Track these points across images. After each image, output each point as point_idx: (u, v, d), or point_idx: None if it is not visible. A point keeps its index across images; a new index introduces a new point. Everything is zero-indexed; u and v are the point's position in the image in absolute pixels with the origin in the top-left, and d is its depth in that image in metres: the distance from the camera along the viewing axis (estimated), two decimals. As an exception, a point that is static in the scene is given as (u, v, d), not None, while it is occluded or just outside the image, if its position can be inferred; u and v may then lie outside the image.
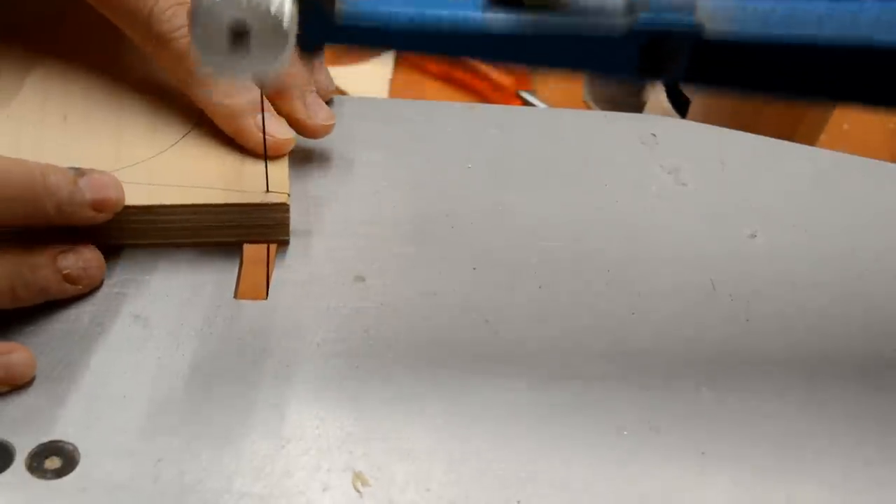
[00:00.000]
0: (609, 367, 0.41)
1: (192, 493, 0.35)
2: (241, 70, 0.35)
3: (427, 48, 0.37)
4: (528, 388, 0.40)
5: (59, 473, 0.35)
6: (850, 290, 0.46)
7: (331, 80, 0.52)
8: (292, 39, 0.34)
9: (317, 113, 0.48)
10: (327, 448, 0.37)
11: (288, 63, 0.35)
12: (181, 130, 0.46)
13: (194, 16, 0.34)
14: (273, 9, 0.33)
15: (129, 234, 0.43)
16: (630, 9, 0.34)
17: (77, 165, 0.41)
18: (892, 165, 0.54)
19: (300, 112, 0.48)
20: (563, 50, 0.35)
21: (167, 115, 0.47)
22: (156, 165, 0.44)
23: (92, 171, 0.41)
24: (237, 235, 0.44)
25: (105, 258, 0.42)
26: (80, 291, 0.41)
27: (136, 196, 0.42)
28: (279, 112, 0.47)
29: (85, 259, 0.41)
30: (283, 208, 0.44)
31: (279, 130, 0.46)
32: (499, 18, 0.35)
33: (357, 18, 0.35)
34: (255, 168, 0.45)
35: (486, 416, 0.39)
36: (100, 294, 0.41)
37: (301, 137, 0.48)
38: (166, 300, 0.42)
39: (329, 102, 0.52)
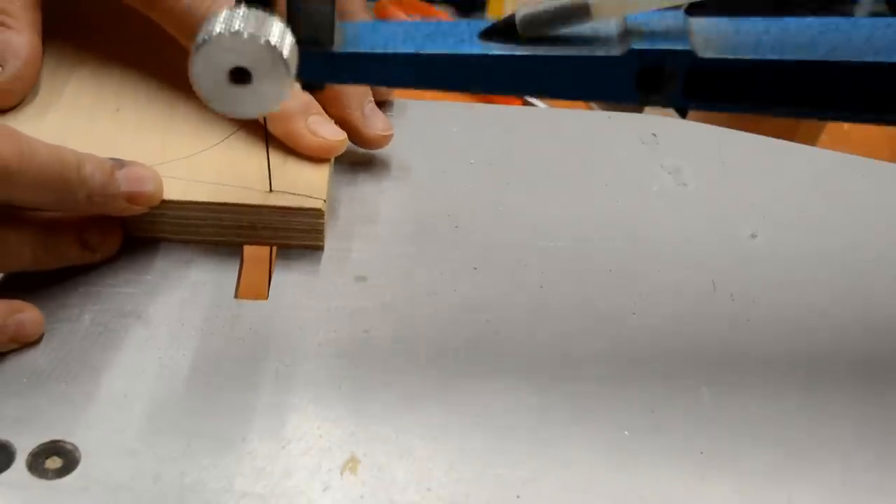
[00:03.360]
0: (609, 366, 0.41)
1: (193, 492, 0.35)
2: (243, 105, 0.35)
3: (425, 83, 0.37)
4: (529, 388, 0.40)
5: (60, 473, 0.35)
6: (850, 290, 0.46)
7: None
8: (292, 74, 0.35)
9: (374, 123, 0.48)
10: (328, 448, 0.37)
11: (289, 96, 0.35)
12: (227, 130, 0.47)
13: (194, 52, 0.34)
14: (273, 46, 0.34)
15: (162, 227, 0.43)
16: (624, 36, 0.35)
17: (124, 156, 0.42)
18: (892, 165, 0.54)
19: (358, 122, 0.47)
20: (561, 78, 0.36)
21: (216, 113, 0.47)
22: (198, 162, 0.45)
23: (133, 163, 0.41)
24: (271, 238, 0.44)
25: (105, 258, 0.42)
26: (98, 259, 0.42)
27: (173, 191, 0.43)
28: (336, 121, 0.47)
29: (103, 227, 0.42)
30: (317, 213, 0.44)
31: (330, 132, 0.46)
32: (495, 51, 0.35)
33: (356, 55, 0.36)
34: (296, 171, 0.45)
35: (487, 415, 0.39)
36: (100, 294, 0.41)
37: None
38: (167, 300, 0.42)
39: (389, 105, 0.52)
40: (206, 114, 0.47)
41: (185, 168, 0.44)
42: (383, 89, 0.52)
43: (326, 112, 0.47)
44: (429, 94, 0.57)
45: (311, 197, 0.44)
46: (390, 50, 0.36)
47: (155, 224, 0.43)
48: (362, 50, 0.36)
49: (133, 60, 0.50)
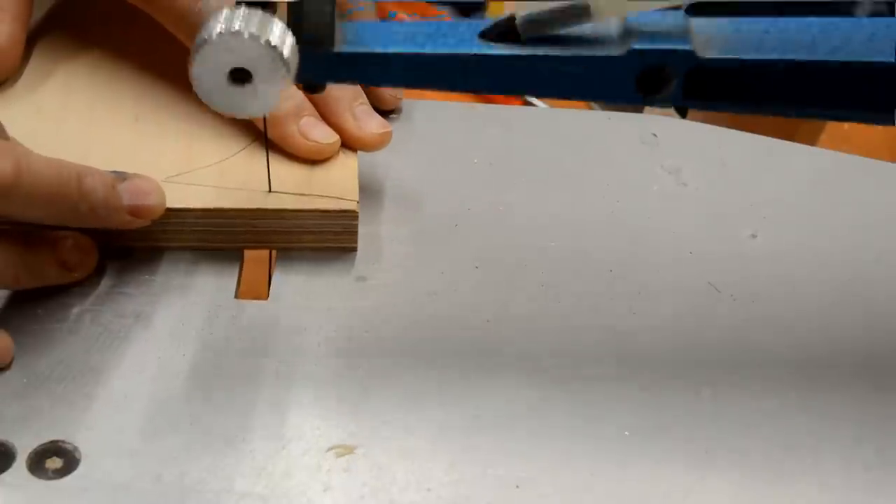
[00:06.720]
0: (610, 366, 0.41)
1: (193, 493, 0.35)
2: (242, 104, 0.35)
3: (426, 82, 0.37)
4: (529, 388, 0.40)
5: (60, 473, 0.35)
6: (850, 290, 0.46)
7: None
8: (292, 73, 0.35)
9: (367, 124, 0.47)
10: (328, 448, 0.37)
11: (288, 94, 0.35)
12: (251, 135, 0.46)
13: (194, 52, 0.34)
14: (273, 46, 0.34)
15: (194, 237, 0.43)
16: (625, 36, 0.35)
17: (149, 166, 0.42)
18: (892, 165, 0.54)
19: (349, 124, 0.47)
20: (561, 78, 0.36)
21: (237, 119, 0.47)
22: (225, 169, 0.44)
23: (135, 176, 0.41)
24: (303, 241, 0.44)
25: (105, 258, 0.42)
26: (76, 278, 0.41)
27: (204, 198, 0.42)
28: (330, 126, 0.46)
29: (81, 247, 0.41)
30: (352, 215, 0.43)
31: (322, 135, 0.46)
32: (495, 51, 0.35)
33: (356, 55, 0.36)
34: (324, 174, 0.45)
35: (487, 415, 0.39)
36: (100, 294, 0.41)
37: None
38: (167, 300, 0.42)
39: (397, 111, 0.52)
40: (226, 119, 0.46)
41: (214, 175, 0.44)
42: (390, 97, 0.52)
43: None
44: (430, 94, 0.57)
45: (344, 199, 0.44)
46: (391, 50, 0.36)
47: (187, 234, 0.43)
48: (363, 50, 0.36)
49: (148, 67, 0.50)
